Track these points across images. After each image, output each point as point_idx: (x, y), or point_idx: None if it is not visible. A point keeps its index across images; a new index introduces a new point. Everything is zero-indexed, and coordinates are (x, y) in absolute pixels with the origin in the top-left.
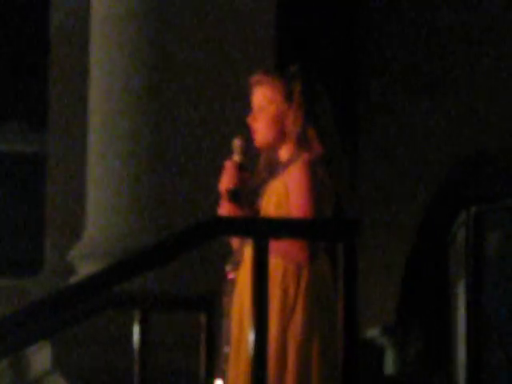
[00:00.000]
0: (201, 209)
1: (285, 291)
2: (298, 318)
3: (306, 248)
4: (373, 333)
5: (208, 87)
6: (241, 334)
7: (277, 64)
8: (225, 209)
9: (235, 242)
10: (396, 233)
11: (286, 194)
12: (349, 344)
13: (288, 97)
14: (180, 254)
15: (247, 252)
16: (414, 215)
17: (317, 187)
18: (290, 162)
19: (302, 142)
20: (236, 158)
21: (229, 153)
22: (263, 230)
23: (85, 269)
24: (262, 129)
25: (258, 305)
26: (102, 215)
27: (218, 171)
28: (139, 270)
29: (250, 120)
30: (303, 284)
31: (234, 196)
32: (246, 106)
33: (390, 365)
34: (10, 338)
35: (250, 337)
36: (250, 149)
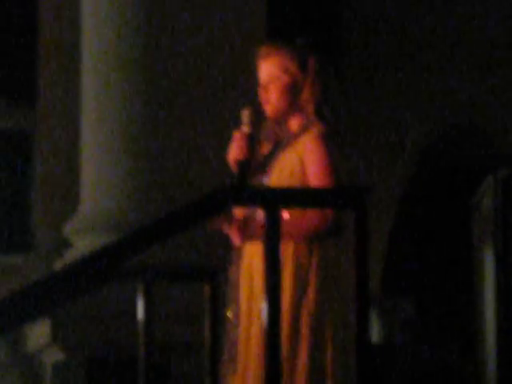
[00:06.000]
0: (197, 182)
1: (297, 265)
2: (312, 292)
3: (329, 216)
4: None
5: (203, 56)
6: (251, 306)
7: (268, 32)
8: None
9: (239, 211)
10: (387, 199)
11: (299, 165)
12: (361, 312)
13: (302, 67)
14: (194, 224)
15: None
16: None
17: (334, 158)
18: (300, 132)
19: (317, 113)
20: (245, 128)
21: (230, 125)
22: (276, 199)
23: (81, 243)
24: (275, 99)
25: (270, 276)
26: (97, 189)
27: (215, 144)
28: (153, 241)
29: (261, 91)
30: (315, 259)
31: (244, 167)
32: (242, 76)
33: (375, 333)
34: (12, 313)
35: (263, 309)
36: (258, 119)
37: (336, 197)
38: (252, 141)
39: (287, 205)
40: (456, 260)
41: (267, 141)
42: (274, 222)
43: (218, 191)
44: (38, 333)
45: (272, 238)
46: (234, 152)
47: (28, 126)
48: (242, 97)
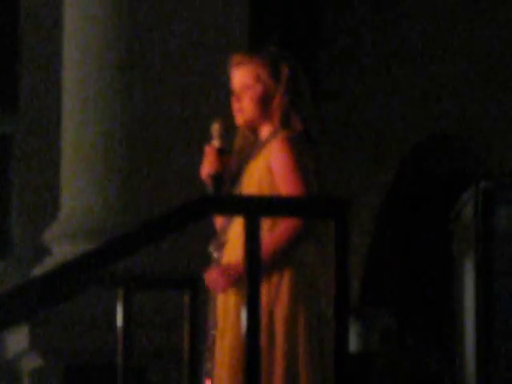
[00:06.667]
0: (177, 189)
1: (270, 269)
2: (284, 295)
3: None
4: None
5: (184, 65)
6: (226, 314)
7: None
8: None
9: (219, 221)
10: (367, 209)
11: (267, 171)
12: (340, 321)
13: (275, 76)
14: (172, 232)
15: (233, 231)
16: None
17: (302, 162)
18: (268, 140)
19: (284, 122)
20: (215, 142)
21: (207, 135)
22: (255, 208)
23: (60, 250)
24: (247, 107)
25: (250, 282)
26: (76, 196)
27: (194, 153)
28: (132, 248)
29: (233, 100)
30: (289, 263)
31: (217, 180)
32: (221, 87)
33: (353, 341)
34: None
35: (242, 315)
36: (228, 132)
37: (316, 206)
38: (223, 154)
39: (267, 213)
40: (436, 270)
41: (240, 150)
42: (253, 231)
43: (199, 199)
44: (16, 339)
45: (251, 246)
46: (206, 167)
47: (8, 132)
48: (218, 108)
